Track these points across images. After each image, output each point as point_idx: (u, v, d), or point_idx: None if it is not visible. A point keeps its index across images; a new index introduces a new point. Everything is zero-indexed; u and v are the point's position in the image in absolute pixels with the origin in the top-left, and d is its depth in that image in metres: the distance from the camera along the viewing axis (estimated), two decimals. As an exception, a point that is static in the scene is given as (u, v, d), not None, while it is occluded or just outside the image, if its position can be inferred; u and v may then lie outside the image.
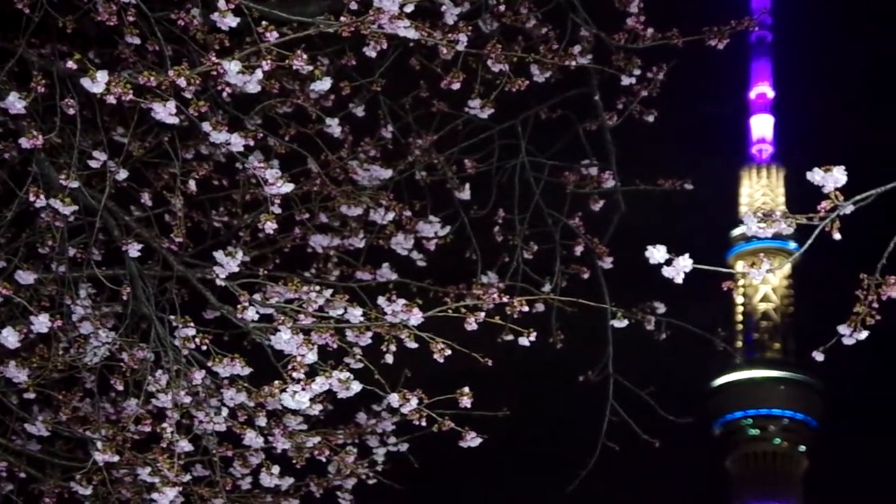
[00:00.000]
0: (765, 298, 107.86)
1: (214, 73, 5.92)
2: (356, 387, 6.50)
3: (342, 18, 6.03)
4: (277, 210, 6.92)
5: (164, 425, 6.92)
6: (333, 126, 7.57)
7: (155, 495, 7.05)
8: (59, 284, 7.10)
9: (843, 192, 5.06)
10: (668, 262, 5.33)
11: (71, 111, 6.46)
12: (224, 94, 6.33)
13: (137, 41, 6.40)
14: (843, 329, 5.29)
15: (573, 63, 7.59)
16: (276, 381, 6.38)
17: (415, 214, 7.92)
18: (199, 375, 6.87)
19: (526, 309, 6.73)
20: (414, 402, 6.52)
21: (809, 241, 5.08)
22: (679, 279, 5.33)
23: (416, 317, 6.60)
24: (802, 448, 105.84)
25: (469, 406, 6.45)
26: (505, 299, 6.71)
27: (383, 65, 7.53)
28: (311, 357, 6.38)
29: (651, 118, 8.47)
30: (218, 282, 6.74)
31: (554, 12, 7.84)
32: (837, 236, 5.07)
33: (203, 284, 6.92)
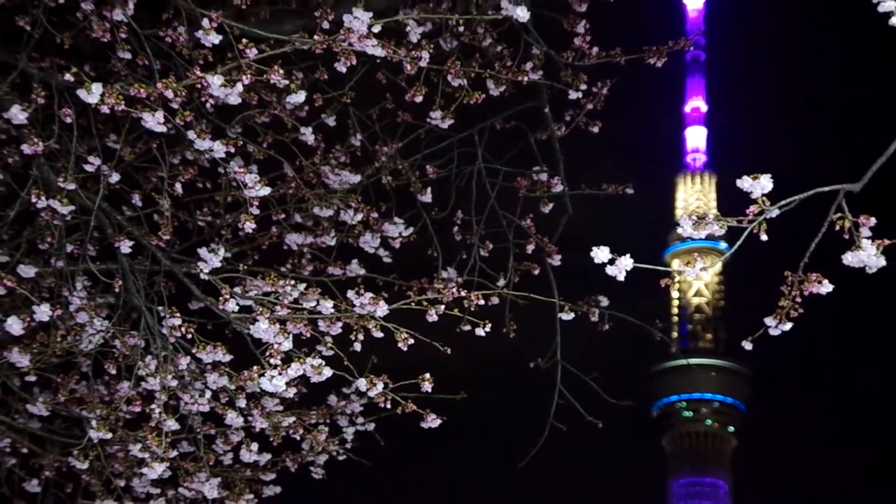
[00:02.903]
0: (698, 293, 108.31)
1: (199, 85, 5.92)
2: (327, 372, 6.51)
3: (315, 37, 6.03)
4: (256, 211, 6.93)
5: (153, 406, 6.91)
6: (307, 134, 7.56)
7: (145, 469, 7.04)
8: (57, 277, 7.08)
9: (770, 197, 5.09)
10: (611, 261, 5.35)
11: (68, 120, 6.46)
12: (208, 105, 6.34)
13: (129, 56, 6.37)
14: (769, 321, 5.31)
15: (525, 79, 7.61)
16: (255, 367, 6.39)
17: (381, 215, 7.91)
18: (184, 361, 6.86)
19: (482, 302, 6.75)
20: (380, 386, 6.53)
21: (739, 242, 5.11)
22: (621, 276, 5.36)
23: (382, 309, 6.62)
24: (731, 428, 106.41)
25: (430, 390, 6.47)
26: (463, 293, 6.73)
27: (353, 79, 7.51)
28: (287, 345, 6.39)
29: (596, 129, 8.47)
30: (202, 276, 6.73)
31: (508, 32, 7.83)
32: (764, 238, 5.10)
33: (188, 278, 6.91)
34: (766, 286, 5.34)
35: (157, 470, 7.04)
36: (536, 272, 8.55)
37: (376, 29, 6.04)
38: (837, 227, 5.04)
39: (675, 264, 5.96)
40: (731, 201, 5.30)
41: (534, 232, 8.59)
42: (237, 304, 6.59)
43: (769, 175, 5.08)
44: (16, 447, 8.16)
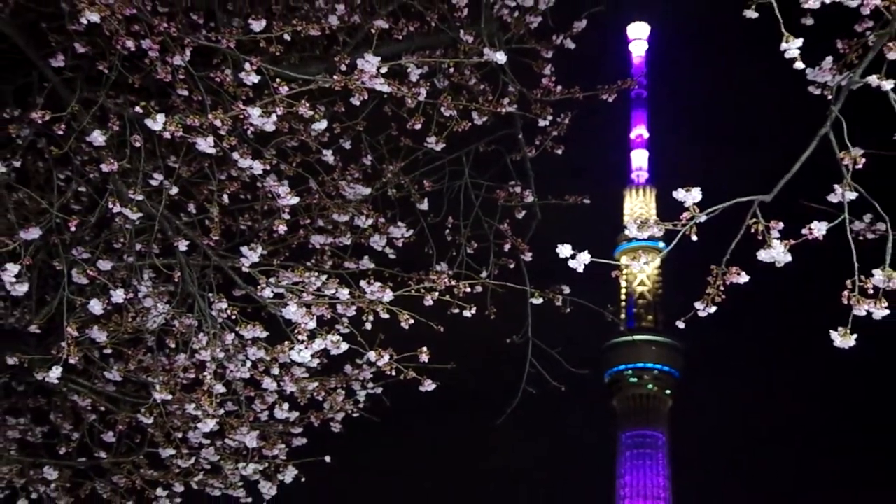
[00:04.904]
0: (641, 283, 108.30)
1: (241, 116, 5.91)
2: (344, 346, 6.48)
3: (335, 77, 6.02)
4: (287, 216, 6.95)
5: (205, 373, 6.88)
6: (328, 155, 7.55)
7: (199, 424, 7.05)
8: (128, 270, 7.08)
9: (699, 206, 5.08)
10: (573, 257, 5.33)
11: (137, 144, 6.44)
12: (248, 132, 6.33)
13: (186, 93, 6.35)
14: (698, 305, 5.29)
15: (503, 110, 7.57)
16: (286, 342, 6.37)
17: (387, 220, 7.90)
18: (229, 337, 6.84)
19: (468, 290, 6.77)
20: (386, 357, 6.52)
21: (674, 242, 5.10)
22: (580, 269, 5.34)
23: (388, 295, 6.61)
24: (668, 391, 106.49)
25: (426, 361, 6.45)
26: (453, 283, 6.73)
27: (364, 111, 7.50)
28: (312, 324, 6.37)
29: (559, 151, 8.44)
30: (244, 269, 6.72)
31: (489, 74, 7.82)
32: (695, 238, 5.09)
33: (233, 271, 6.88)
34: (696, 277, 5.32)
35: (209, 425, 7.03)
36: (512, 266, 8.54)
37: (384, 70, 6.04)
38: (753, 230, 5.04)
39: (624, 259, 5.96)
40: (668, 209, 5.29)
41: (510, 234, 8.57)
42: (272, 291, 6.57)
43: (698, 188, 5.08)
44: (95, 406, 8.14)
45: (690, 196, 5.06)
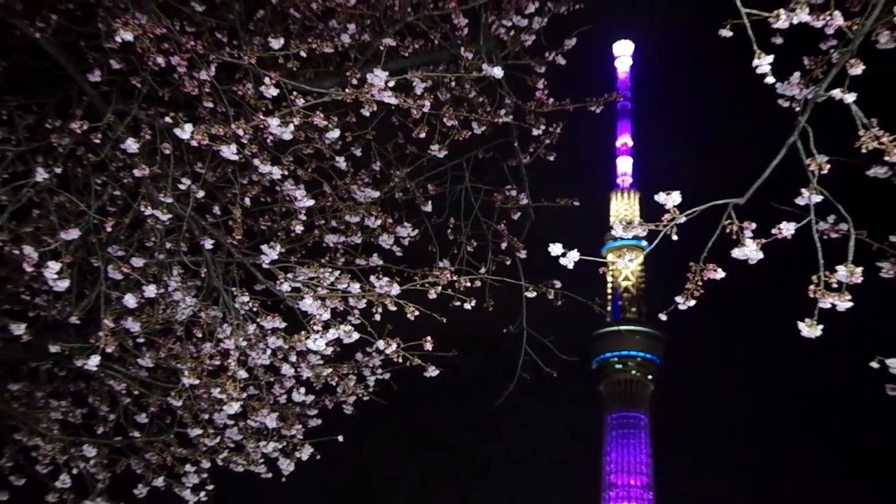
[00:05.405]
0: (626, 278, 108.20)
1: (261, 126, 5.91)
2: (355, 335, 6.49)
3: (347, 90, 6.02)
4: (303, 217, 6.93)
5: (229, 360, 6.89)
6: (340, 162, 7.53)
7: (223, 406, 7.05)
8: (159, 267, 7.06)
9: (679, 208, 5.08)
10: (563, 255, 5.33)
11: (167, 151, 6.45)
12: (268, 140, 6.32)
13: (211, 105, 6.35)
14: (678, 299, 5.29)
15: (500, 121, 7.60)
16: (303, 332, 6.38)
17: (394, 221, 7.89)
18: (251, 327, 6.84)
19: (469, 285, 6.76)
20: (394, 346, 6.52)
21: (656, 241, 5.10)
22: (570, 265, 5.34)
23: (395, 289, 6.61)
24: (650, 377, 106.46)
25: (430, 349, 6.44)
26: (454, 278, 6.73)
27: (374, 121, 7.49)
28: (326, 316, 6.37)
29: (552, 158, 8.42)
30: (264, 265, 6.71)
31: (488, 87, 7.80)
32: (675, 237, 5.09)
33: (254, 267, 6.88)
34: (676, 273, 5.31)
35: (233, 407, 7.04)
36: (508, 263, 8.51)
37: (391, 84, 6.04)
38: (728, 230, 5.04)
39: (610, 257, 5.95)
40: (651, 211, 5.28)
41: (506, 233, 8.55)
42: (290, 285, 6.57)
43: (678, 192, 5.08)
44: (130, 390, 8.14)
45: (671, 199, 5.07)
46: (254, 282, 6.94)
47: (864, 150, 4.78)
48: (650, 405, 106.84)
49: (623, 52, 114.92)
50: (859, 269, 4.89)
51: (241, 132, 5.87)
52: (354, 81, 6.21)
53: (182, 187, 6.66)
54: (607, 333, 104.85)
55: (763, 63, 4.93)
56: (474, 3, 7.43)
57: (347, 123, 7.44)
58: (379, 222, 7.70)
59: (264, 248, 6.67)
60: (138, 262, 6.83)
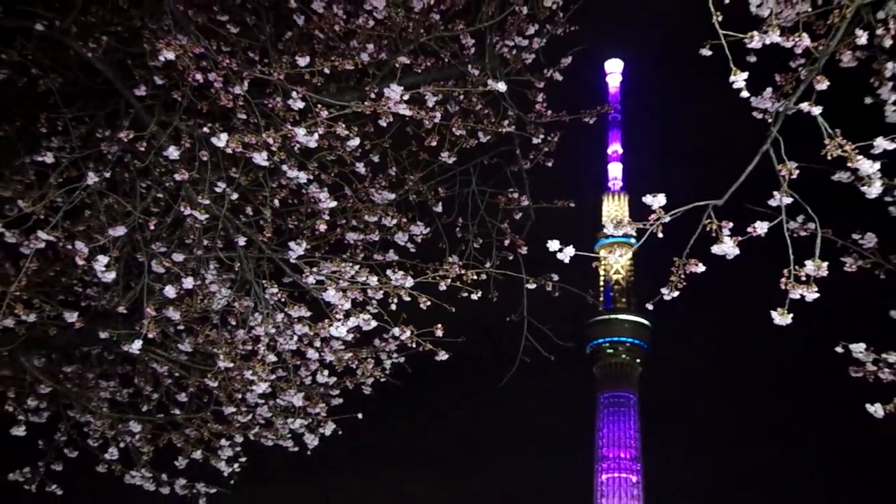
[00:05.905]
0: (617, 272, 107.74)
1: (289, 135, 5.94)
2: (373, 323, 6.54)
3: (366, 103, 6.05)
4: (326, 217, 6.97)
5: (260, 346, 6.93)
6: (360, 167, 7.55)
7: (254, 387, 7.08)
8: (197, 261, 7.09)
9: (664, 209, 5.11)
10: (560, 250, 5.37)
11: (204, 158, 6.47)
12: (295, 148, 6.34)
13: (244, 116, 6.37)
14: (664, 290, 5.32)
15: (503, 130, 7.62)
16: (326, 320, 6.42)
17: (408, 221, 7.89)
18: (280, 316, 6.87)
19: (475, 277, 6.79)
20: (408, 332, 6.56)
21: (644, 238, 5.13)
22: (566, 260, 5.38)
23: (409, 282, 6.65)
24: (638, 360, 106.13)
25: (440, 335, 6.48)
26: (462, 272, 6.76)
27: (390, 130, 7.51)
28: (347, 305, 6.42)
29: (550, 164, 8.44)
30: (291, 260, 6.75)
31: (492, 100, 7.81)
32: (661, 235, 5.13)
33: (282, 262, 6.92)
34: (662, 267, 5.35)
35: (263, 387, 7.08)
36: (511, 258, 8.51)
37: (406, 97, 6.07)
38: (708, 229, 5.08)
39: (602, 252, 5.99)
40: (639, 211, 5.32)
41: (509, 231, 8.53)
42: (314, 278, 6.61)
43: (663, 194, 5.11)
44: (171, 372, 8.18)
45: (657, 201, 5.11)
46: (282, 275, 6.97)
47: (829, 157, 4.82)
48: (638, 386, 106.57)
49: (614, 70, 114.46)
50: (825, 264, 4.93)
51: (271, 141, 5.90)
52: (373, 95, 6.24)
53: (218, 190, 6.69)
54: (600, 321, 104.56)
55: (739, 79, 4.97)
56: (480, 25, 7.45)
57: (366, 133, 7.45)
58: (395, 221, 7.72)
59: (292, 244, 6.71)
60: (178, 257, 6.88)
